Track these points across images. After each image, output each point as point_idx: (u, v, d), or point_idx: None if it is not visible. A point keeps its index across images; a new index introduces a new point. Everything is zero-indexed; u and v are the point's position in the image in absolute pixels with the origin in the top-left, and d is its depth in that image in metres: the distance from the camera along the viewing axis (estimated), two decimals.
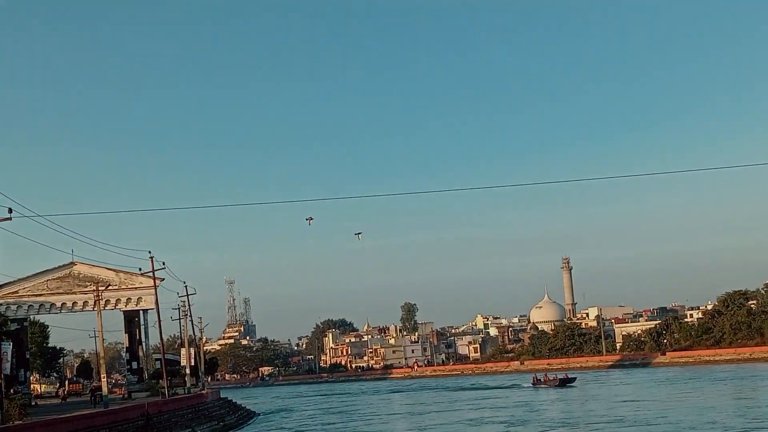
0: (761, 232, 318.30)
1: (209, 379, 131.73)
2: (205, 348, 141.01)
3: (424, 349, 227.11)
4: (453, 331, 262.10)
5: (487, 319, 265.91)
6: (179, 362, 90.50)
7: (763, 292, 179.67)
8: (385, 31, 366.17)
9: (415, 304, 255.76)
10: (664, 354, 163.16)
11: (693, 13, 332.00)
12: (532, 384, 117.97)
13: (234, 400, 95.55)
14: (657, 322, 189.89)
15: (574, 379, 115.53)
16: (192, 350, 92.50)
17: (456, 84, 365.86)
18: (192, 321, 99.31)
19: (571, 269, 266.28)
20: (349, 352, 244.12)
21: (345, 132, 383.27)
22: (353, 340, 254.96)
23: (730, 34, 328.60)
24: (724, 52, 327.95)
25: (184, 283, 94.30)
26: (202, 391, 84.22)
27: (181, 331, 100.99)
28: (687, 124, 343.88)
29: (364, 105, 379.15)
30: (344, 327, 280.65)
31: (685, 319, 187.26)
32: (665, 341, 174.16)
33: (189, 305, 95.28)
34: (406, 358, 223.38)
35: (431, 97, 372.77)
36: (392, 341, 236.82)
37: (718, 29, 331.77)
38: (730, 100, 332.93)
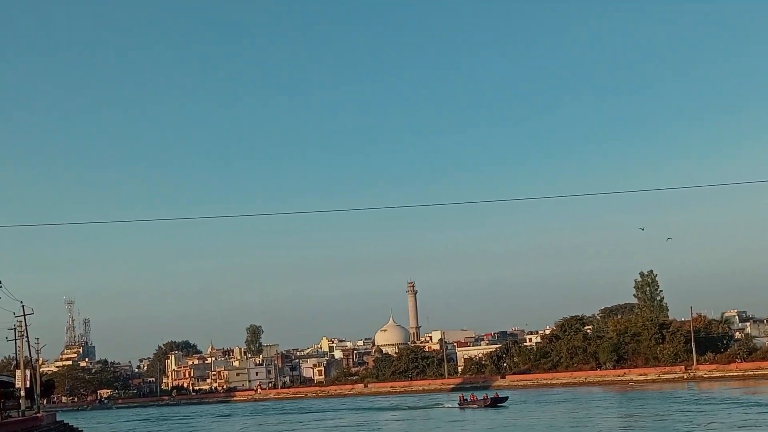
0: (599, 259, 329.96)
1: (45, 401, 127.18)
2: (42, 369, 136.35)
3: (269, 372, 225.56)
4: (298, 353, 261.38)
5: (333, 341, 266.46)
6: (14, 384, 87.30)
7: (598, 317, 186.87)
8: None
9: (260, 326, 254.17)
10: (504, 377, 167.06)
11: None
12: (458, 404, 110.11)
13: (70, 424, 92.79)
14: (498, 345, 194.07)
15: (506, 398, 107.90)
16: (28, 372, 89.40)
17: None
18: (29, 342, 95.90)
19: (416, 293, 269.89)
20: (192, 375, 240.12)
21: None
22: (196, 362, 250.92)
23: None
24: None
25: (21, 302, 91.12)
26: (38, 414, 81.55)
27: (16, 352, 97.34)
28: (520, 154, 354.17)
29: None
30: (188, 349, 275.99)
31: (525, 343, 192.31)
32: (505, 365, 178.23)
33: (26, 325, 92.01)
34: (250, 381, 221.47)
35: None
36: (236, 363, 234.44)
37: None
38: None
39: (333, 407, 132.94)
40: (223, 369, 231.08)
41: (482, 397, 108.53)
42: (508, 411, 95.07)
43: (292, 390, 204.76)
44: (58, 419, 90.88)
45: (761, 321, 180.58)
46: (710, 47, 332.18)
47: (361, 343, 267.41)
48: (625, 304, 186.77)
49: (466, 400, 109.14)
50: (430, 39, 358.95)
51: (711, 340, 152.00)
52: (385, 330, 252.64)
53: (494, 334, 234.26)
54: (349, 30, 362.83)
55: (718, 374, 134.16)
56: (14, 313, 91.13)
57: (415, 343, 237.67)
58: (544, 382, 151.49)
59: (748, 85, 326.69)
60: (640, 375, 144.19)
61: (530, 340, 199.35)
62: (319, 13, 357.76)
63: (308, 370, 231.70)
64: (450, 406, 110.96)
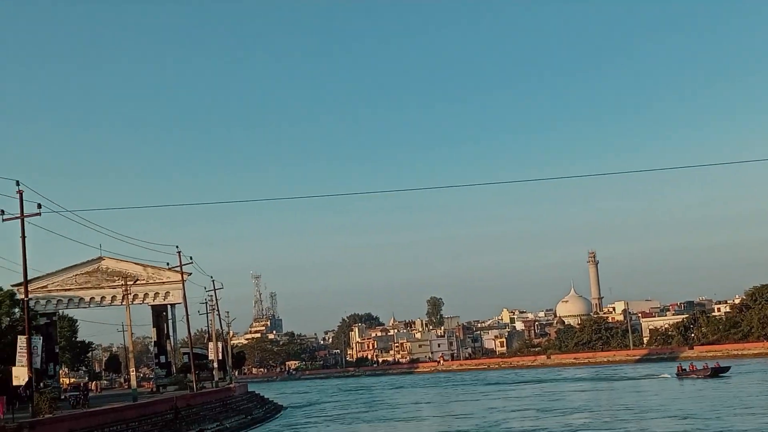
0: None
1: (236, 373, 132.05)
2: (232, 342, 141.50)
3: (450, 344, 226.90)
4: (479, 325, 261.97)
5: (513, 313, 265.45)
6: (207, 356, 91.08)
7: None
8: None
9: (440, 299, 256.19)
10: (692, 348, 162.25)
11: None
12: (677, 374, 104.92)
13: (261, 394, 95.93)
14: (684, 316, 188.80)
15: (728, 368, 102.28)
16: (219, 344, 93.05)
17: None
18: (219, 315, 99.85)
19: (597, 263, 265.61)
20: (375, 347, 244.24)
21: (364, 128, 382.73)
22: (379, 334, 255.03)
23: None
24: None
25: (212, 277, 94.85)
26: (230, 385, 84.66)
27: (208, 326, 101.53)
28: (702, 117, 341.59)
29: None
30: (370, 321, 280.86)
31: (713, 314, 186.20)
32: (693, 335, 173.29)
33: (216, 300, 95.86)
34: (432, 353, 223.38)
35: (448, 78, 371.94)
36: (418, 335, 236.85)
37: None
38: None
39: (527, 377, 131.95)
40: (405, 341, 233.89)
41: (702, 367, 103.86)
42: (731, 381, 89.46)
43: (474, 362, 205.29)
44: (249, 390, 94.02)
45: None
46: None
47: (542, 314, 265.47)
48: None
49: (685, 370, 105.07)
50: None
51: None
52: (566, 301, 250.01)
53: (680, 304, 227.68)
54: None
55: None
56: (205, 288, 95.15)
57: (597, 313, 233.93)
58: (735, 352, 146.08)
59: None
60: None
61: (719, 309, 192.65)
62: None
63: (489, 341, 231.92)
64: (668, 376, 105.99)
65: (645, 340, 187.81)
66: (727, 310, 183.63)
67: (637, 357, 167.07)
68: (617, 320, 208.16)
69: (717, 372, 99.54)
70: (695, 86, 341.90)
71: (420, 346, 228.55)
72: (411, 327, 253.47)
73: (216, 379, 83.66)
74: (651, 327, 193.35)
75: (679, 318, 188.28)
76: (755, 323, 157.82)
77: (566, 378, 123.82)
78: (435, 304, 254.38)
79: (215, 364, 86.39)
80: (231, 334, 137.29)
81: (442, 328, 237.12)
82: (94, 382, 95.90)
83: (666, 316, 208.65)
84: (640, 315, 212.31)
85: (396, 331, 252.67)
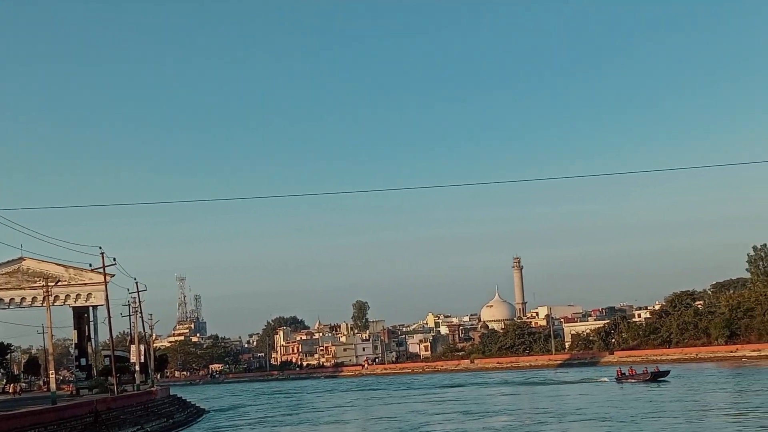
0: (709, 234, 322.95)
1: (159, 376, 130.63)
2: (155, 345, 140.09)
3: (375, 347, 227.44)
4: (404, 329, 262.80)
5: (438, 317, 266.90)
6: (129, 359, 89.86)
7: (709, 292, 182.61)
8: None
9: (366, 302, 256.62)
10: (612, 353, 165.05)
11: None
12: (616, 378, 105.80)
13: (184, 398, 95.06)
14: (605, 321, 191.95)
15: (667, 373, 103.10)
16: (142, 347, 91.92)
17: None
18: (142, 318, 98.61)
19: (522, 268, 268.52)
20: (300, 350, 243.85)
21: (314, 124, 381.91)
22: (304, 338, 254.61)
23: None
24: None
25: (135, 279, 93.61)
26: (152, 389, 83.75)
27: (131, 328, 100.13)
28: (641, 120, 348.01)
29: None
30: (295, 325, 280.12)
31: (633, 319, 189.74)
32: (613, 341, 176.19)
33: (139, 302, 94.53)
34: (357, 356, 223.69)
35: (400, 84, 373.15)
36: (343, 339, 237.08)
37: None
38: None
39: (469, 380, 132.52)
40: (330, 344, 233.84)
41: (642, 371, 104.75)
42: (670, 385, 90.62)
43: (398, 365, 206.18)
44: (171, 393, 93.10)
45: None
46: None
47: (466, 318, 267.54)
48: (738, 278, 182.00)
49: (625, 374, 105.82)
50: None
51: None
52: (491, 305, 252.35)
53: (602, 309, 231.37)
54: None
55: None
56: (128, 290, 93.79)
57: (521, 318, 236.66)
58: (654, 358, 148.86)
59: None
60: (754, 351, 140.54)
61: (639, 315, 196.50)
62: None
63: (414, 345, 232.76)
64: (607, 380, 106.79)
65: (567, 344, 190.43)
66: (647, 316, 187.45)
67: (559, 361, 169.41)
68: (540, 325, 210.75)
69: (657, 376, 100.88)
70: (663, 95, 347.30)
71: (345, 350, 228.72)
72: (336, 331, 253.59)
73: (138, 382, 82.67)
74: (573, 332, 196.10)
75: (601, 323, 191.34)
76: (674, 329, 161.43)
77: (490, 382, 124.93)
78: (361, 308, 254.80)
79: (137, 367, 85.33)
80: (154, 336, 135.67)
81: (368, 332, 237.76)
82: (12, 385, 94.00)
83: (588, 321, 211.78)
84: (562, 320, 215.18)
85: (321, 334, 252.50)
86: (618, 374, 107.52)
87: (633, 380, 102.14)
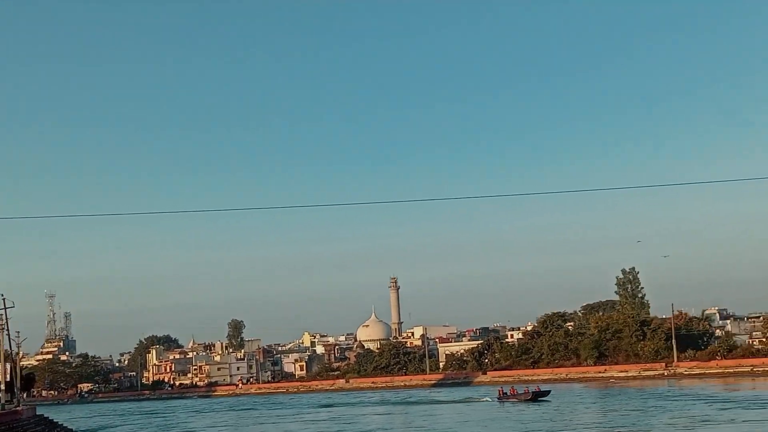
0: (581, 256, 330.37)
1: (25, 395, 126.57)
2: (22, 363, 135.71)
3: (250, 367, 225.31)
4: (280, 348, 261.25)
5: (314, 337, 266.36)
6: None
7: (580, 314, 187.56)
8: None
9: (242, 321, 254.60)
10: (485, 373, 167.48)
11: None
12: (498, 398, 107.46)
13: (51, 418, 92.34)
14: (479, 341, 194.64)
15: (548, 392, 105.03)
16: (8, 365, 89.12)
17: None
18: (9, 335, 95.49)
19: (398, 288, 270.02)
20: (173, 369, 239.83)
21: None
22: (178, 356, 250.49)
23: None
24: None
25: (2, 295, 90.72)
26: (17, 408, 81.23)
27: None
28: (521, 145, 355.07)
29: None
30: (169, 343, 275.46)
31: (506, 339, 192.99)
32: (486, 360, 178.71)
33: (6, 319, 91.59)
34: (231, 375, 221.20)
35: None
36: (218, 358, 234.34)
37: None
38: (551, 125, 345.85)
39: (344, 400, 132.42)
40: (204, 363, 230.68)
41: (523, 391, 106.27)
42: (551, 405, 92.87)
43: (273, 385, 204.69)
44: (37, 413, 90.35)
45: (741, 318, 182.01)
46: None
47: (343, 338, 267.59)
48: (607, 301, 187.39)
49: (506, 393, 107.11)
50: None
51: (691, 338, 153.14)
52: (367, 325, 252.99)
53: (476, 330, 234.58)
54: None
55: (698, 371, 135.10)
56: None
57: (397, 338, 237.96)
58: (526, 378, 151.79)
59: None
60: (621, 372, 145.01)
61: (512, 336, 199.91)
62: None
63: (290, 365, 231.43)
64: (489, 399, 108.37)
65: (441, 364, 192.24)
66: (520, 336, 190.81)
67: (433, 381, 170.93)
68: (416, 345, 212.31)
69: (537, 396, 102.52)
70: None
71: (219, 369, 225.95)
72: (211, 350, 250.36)
73: (2, 401, 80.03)
74: (447, 352, 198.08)
75: (475, 344, 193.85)
76: (545, 350, 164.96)
77: (366, 401, 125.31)
78: (236, 327, 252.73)
79: (2, 387, 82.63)
80: (21, 354, 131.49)
81: (243, 351, 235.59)
82: None
83: (462, 341, 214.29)
84: (437, 340, 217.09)
85: (195, 353, 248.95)
86: (500, 394, 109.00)
87: (514, 399, 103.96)
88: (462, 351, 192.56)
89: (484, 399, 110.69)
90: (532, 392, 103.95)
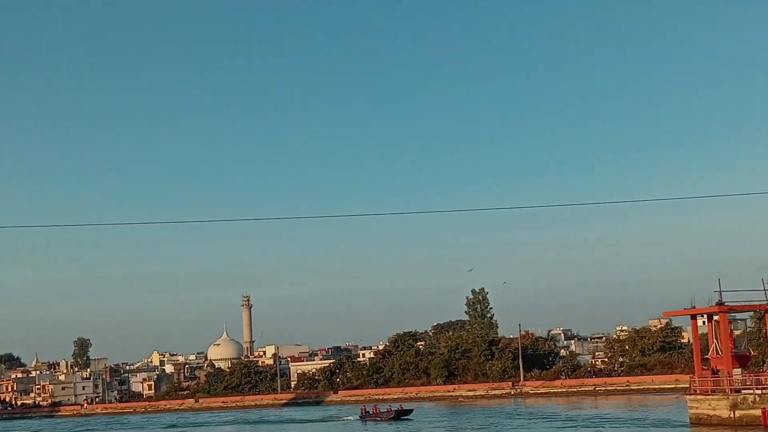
0: (432, 276, 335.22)
1: None
2: None
3: (96, 386, 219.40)
4: (128, 367, 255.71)
5: (164, 355, 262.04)
6: None
7: (431, 333, 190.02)
8: None
9: (89, 340, 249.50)
10: (337, 392, 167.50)
11: None
12: (360, 417, 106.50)
13: None
14: (331, 361, 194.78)
15: (410, 411, 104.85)
16: None
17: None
18: None
19: (251, 307, 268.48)
20: (15, 389, 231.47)
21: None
22: (20, 375, 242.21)
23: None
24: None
25: None
26: None
27: None
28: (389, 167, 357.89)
29: None
30: (11, 362, 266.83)
31: (358, 359, 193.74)
32: (338, 380, 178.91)
33: None
34: (76, 395, 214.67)
35: None
36: (62, 377, 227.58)
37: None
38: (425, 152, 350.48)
39: (192, 420, 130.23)
40: (48, 383, 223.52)
41: (386, 410, 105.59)
42: (413, 424, 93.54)
43: (120, 405, 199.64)
44: None
45: (585, 339, 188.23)
46: None
47: (193, 357, 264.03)
48: (457, 320, 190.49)
49: (369, 412, 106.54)
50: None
51: (537, 357, 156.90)
52: (218, 344, 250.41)
53: (328, 349, 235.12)
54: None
55: (543, 390, 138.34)
56: None
57: (248, 357, 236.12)
58: (376, 397, 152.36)
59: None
60: (470, 390, 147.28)
61: (363, 355, 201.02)
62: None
63: (138, 384, 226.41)
64: (352, 418, 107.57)
65: (293, 383, 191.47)
66: (372, 355, 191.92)
67: (284, 401, 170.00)
68: (267, 364, 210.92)
69: (400, 415, 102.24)
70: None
71: (64, 388, 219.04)
72: (56, 369, 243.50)
73: None
74: (299, 371, 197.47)
75: (327, 363, 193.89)
76: (396, 369, 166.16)
77: (213, 422, 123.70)
78: (82, 345, 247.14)
79: None
80: None
81: (89, 370, 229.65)
82: None
83: (314, 360, 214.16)
84: (289, 359, 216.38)
85: (39, 372, 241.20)
86: (362, 412, 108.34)
87: (378, 418, 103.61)
88: (314, 370, 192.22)
89: (347, 418, 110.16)
90: (395, 411, 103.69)
